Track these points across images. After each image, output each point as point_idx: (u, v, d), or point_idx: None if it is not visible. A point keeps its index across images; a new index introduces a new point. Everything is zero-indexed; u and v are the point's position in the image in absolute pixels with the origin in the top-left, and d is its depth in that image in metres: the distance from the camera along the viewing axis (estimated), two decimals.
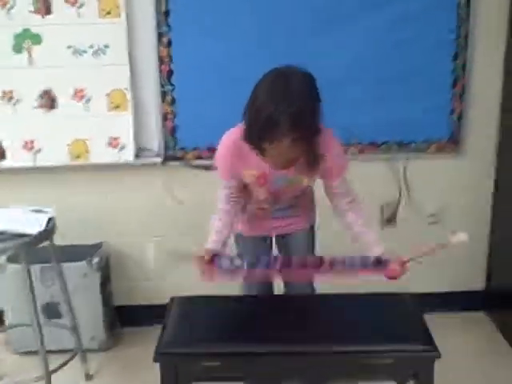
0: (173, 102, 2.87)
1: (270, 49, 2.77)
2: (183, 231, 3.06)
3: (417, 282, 3.07)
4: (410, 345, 1.85)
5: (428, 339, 1.88)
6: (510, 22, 2.88)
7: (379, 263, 1.92)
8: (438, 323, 2.02)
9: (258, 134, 1.80)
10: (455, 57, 2.89)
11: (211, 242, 2.07)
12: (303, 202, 2.26)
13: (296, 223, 2.29)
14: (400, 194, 3.10)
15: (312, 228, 2.36)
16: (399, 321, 1.94)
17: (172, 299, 2.17)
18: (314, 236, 2.37)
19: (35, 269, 2.79)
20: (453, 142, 3.01)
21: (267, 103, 1.73)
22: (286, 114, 1.71)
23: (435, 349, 1.84)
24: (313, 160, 1.91)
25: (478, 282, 3.28)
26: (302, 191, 2.18)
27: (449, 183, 3.12)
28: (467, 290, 3.27)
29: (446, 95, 2.94)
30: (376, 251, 2.02)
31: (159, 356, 1.87)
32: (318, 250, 2.40)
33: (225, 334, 1.82)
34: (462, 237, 1.86)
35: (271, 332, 1.83)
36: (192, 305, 2.10)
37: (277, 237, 2.36)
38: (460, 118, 2.97)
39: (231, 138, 1.99)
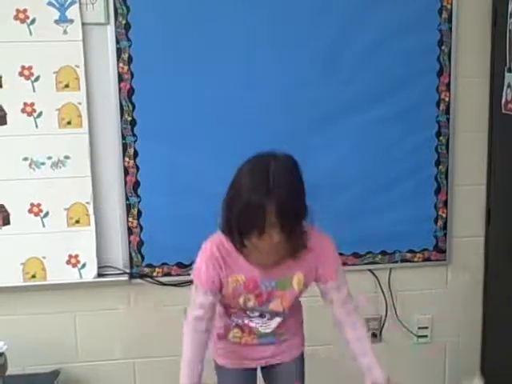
0: (139, 215, 2.79)
1: (244, 157, 2.70)
2: (150, 353, 2.94)
3: None
4: None
5: None
6: (490, 130, 2.93)
7: None
8: None
9: (244, 227, 1.75)
10: (437, 162, 2.91)
11: (185, 377, 1.95)
12: (293, 320, 2.14)
13: (284, 352, 2.16)
14: (386, 307, 3.03)
15: (302, 355, 2.24)
16: None
17: None
18: (303, 363, 2.25)
19: None
20: (439, 250, 2.98)
21: (248, 187, 1.73)
22: (271, 197, 1.69)
23: None
24: (297, 246, 1.86)
25: None
26: (293, 303, 2.05)
27: (437, 293, 3.07)
28: None
29: (429, 202, 2.93)
30: (377, 374, 1.94)
31: None
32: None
33: None
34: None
35: None
36: None
37: (263, 368, 2.22)
38: (445, 225, 2.96)
39: (214, 242, 1.92)
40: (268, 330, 2.07)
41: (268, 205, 1.69)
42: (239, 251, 1.88)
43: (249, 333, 2.09)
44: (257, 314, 2.04)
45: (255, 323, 2.06)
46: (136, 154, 2.74)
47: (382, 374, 1.94)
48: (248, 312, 2.03)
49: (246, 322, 2.06)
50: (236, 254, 1.89)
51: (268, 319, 2.06)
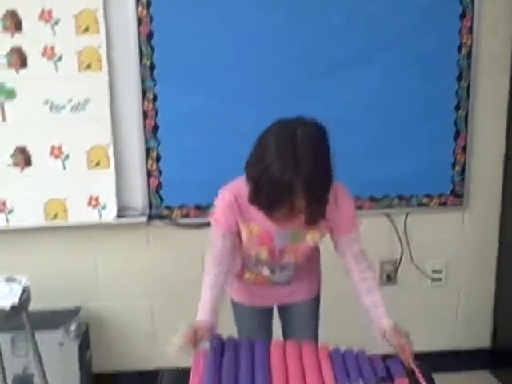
0: (158, 158, 2.83)
1: (260, 102, 2.76)
2: (168, 294, 3.03)
3: (420, 340, 3.10)
4: None
5: None
6: (511, 74, 2.92)
7: (385, 380, 1.77)
8: (443, 383, 1.94)
9: (268, 202, 1.73)
10: (457, 107, 2.90)
11: (203, 315, 1.96)
12: (307, 267, 2.16)
13: (299, 292, 2.20)
14: (401, 251, 3.08)
15: (317, 298, 2.28)
16: None
17: (161, 374, 2.00)
18: (318, 306, 2.29)
19: (6, 338, 2.72)
20: (455, 195, 3.01)
21: (276, 165, 1.66)
22: (300, 179, 1.65)
23: None
24: (319, 214, 1.83)
25: (483, 341, 3.27)
26: (307, 255, 2.06)
27: (452, 238, 3.11)
28: (472, 349, 3.26)
29: (448, 147, 2.94)
30: (385, 324, 1.92)
31: None
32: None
33: None
34: None
35: None
36: (184, 381, 1.97)
37: (278, 307, 2.28)
38: (463, 170, 2.97)
39: (232, 191, 1.92)
40: (281, 279, 2.12)
41: (296, 183, 1.65)
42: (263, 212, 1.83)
43: (262, 277, 2.13)
44: (267, 272, 2.09)
45: (267, 273, 2.11)
46: (155, 98, 2.76)
47: (389, 321, 1.91)
48: (259, 268, 2.09)
49: (260, 270, 2.11)
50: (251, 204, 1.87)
51: (279, 273, 2.10)
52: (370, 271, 2.00)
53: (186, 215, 2.91)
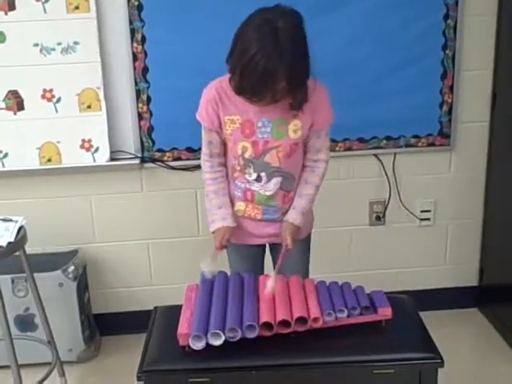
0: (148, 100, 2.84)
1: None
2: (163, 234, 3.07)
3: (409, 279, 3.19)
4: (413, 353, 1.79)
5: (431, 347, 1.82)
6: (499, 9, 2.89)
7: (368, 308, 1.86)
8: (430, 320, 2.01)
9: (254, 90, 1.84)
10: (444, 47, 2.89)
11: (220, 220, 2.11)
12: (294, 190, 2.17)
13: None
14: (389, 191, 3.11)
15: (308, 238, 2.31)
16: (399, 327, 1.87)
17: (155, 309, 2.09)
18: (309, 247, 2.33)
19: (6, 279, 2.77)
20: (443, 136, 3.02)
21: (260, 55, 1.76)
22: (282, 63, 1.76)
23: (439, 357, 1.78)
24: (300, 100, 1.95)
25: (470, 279, 3.32)
26: (290, 157, 2.09)
27: (440, 178, 3.14)
28: (460, 286, 3.31)
29: (435, 87, 2.94)
30: (291, 217, 2.11)
31: (143, 374, 1.80)
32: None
33: (214, 348, 1.77)
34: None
35: (264, 344, 1.78)
36: (177, 315, 2.04)
37: (270, 247, 2.31)
38: (450, 110, 2.98)
39: (214, 85, 2.05)
40: (268, 193, 2.12)
41: (280, 70, 1.78)
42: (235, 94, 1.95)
43: (251, 201, 2.14)
44: (254, 176, 2.10)
45: (255, 187, 2.12)
46: (144, 39, 2.76)
47: (296, 219, 2.11)
48: (246, 173, 2.10)
49: (248, 186, 2.12)
50: (233, 94, 1.97)
51: (265, 182, 2.10)
52: (322, 165, 2.13)
53: (178, 158, 2.94)
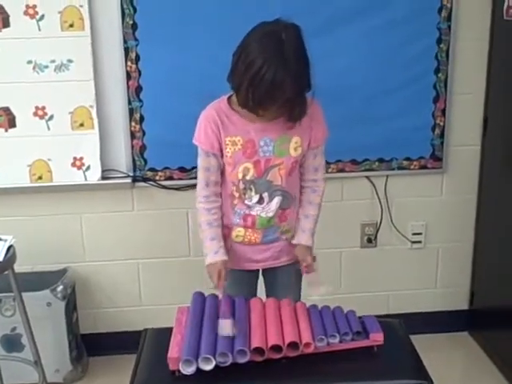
0: (141, 119, 2.83)
1: None
2: (154, 254, 3.05)
3: (399, 301, 3.19)
4: (404, 379, 1.76)
5: (422, 372, 1.79)
6: (491, 32, 2.90)
7: (360, 334, 1.84)
8: (421, 344, 1.98)
9: (260, 99, 1.83)
10: (437, 70, 2.91)
11: (213, 255, 2.06)
12: (292, 208, 2.15)
13: (285, 254, 2.21)
14: (381, 213, 3.11)
15: None
16: (390, 352, 1.84)
17: (145, 331, 2.04)
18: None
19: None
20: (435, 158, 3.03)
21: (267, 66, 1.77)
22: (289, 74, 1.78)
23: (431, 383, 1.76)
24: (299, 112, 1.95)
25: (461, 302, 3.31)
26: (292, 175, 2.09)
27: (431, 201, 3.14)
28: (451, 310, 3.30)
29: (427, 110, 2.95)
30: (303, 239, 2.12)
31: None
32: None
33: (205, 372, 1.70)
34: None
35: (256, 369, 1.74)
36: (168, 338, 2.00)
37: (264, 271, 2.28)
38: (442, 134, 2.99)
39: (213, 107, 2.03)
40: (270, 214, 2.09)
41: (288, 81, 1.79)
42: (237, 111, 1.97)
43: (252, 226, 2.11)
44: (255, 199, 2.07)
45: (256, 211, 2.09)
46: (138, 58, 2.75)
47: (308, 241, 2.12)
48: (247, 197, 2.07)
49: (248, 212, 2.09)
50: (233, 114, 1.98)
51: (267, 202, 2.08)
52: (322, 184, 2.15)
53: (170, 177, 2.92)
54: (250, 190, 2.06)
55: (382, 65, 2.85)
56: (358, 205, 3.09)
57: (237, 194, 2.08)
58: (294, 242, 2.14)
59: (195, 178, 2.65)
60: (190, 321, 1.86)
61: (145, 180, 2.91)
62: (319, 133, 2.07)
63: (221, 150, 2.02)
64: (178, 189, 2.92)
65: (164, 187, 2.93)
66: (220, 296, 1.94)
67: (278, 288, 2.26)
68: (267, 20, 1.91)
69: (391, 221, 3.13)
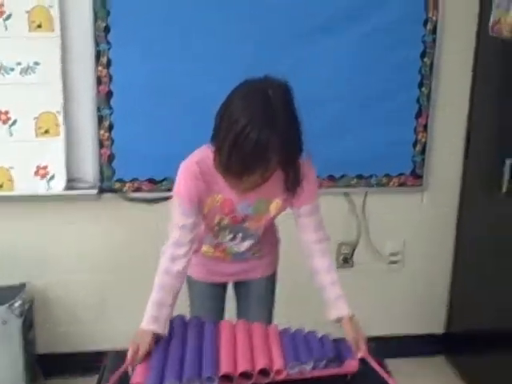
0: (110, 127, 2.72)
1: (219, 71, 2.65)
2: (119, 270, 2.94)
3: (374, 324, 3.06)
4: None
5: None
6: (476, 47, 2.89)
7: (334, 361, 1.75)
8: (397, 368, 1.89)
9: (244, 165, 1.65)
10: (420, 84, 2.87)
11: (149, 321, 1.77)
12: (266, 240, 2.10)
13: (256, 269, 2.14)
14: (359, 232, 3.05)
15: (274, 276, 2.22)
16: (364, 378, 1.75)
17: (107, 354, 1.91)
18: (274, 285, 2.23)
19: None
20: (415, 176, 2.98)
21: (251, 126, 1.60)
22: (276, 134, 1.61)
23: None
24: (293, 183, 1.81)
25: (437, 325, 3.26)
26: (269, 225, 2.03)
27: (411, 220, 3.09)
28: (427, 334, 3.26)
29: (409, 126, 2.91)
30: (343, 309, 1.87)
31: None
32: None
33: None
34: None
35: None
36: None
37: (235, 284, 2.21)
38: (423, 150, 2.94)
39: (195, 160, 1.83)
40: (242, 249, 2.04)
41: (273, 141, 1.61)
42: (221, 173, 1.76)
43: (221, 251, 2.06)
44: (229, 237, 2.00)
45: (228, 244, 2.03)
46: (109, 62, 2.65)
47: (347, 309, 1.87)
48: (220, 236, 2.00)
49: (220, 242, 2.03)
50: (217, 174, 1.77)
51: (240, 241, 2.02)
52: (327, 242, 1.98)
53: (139, 189, 2.82)
54: (224, 231, 1.98)
55: (363, 76, 2.80)
56: (334, 223, 2.90)
57: (210, 233, 2.01)
58: (332, 318, 1.87)
59: (165, 190, 2.70)
60: (155, 345, 1.75)
61: (112, 191, 2.80)
62: (308, 193, 1.90)
63: (200, 204, 1.88)
64: (146, 201, 2.83)
65: (132, 199, 2.82)
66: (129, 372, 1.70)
67: (251, 300, 2.20)
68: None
69: (369, 240, 3.07)
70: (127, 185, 2.81)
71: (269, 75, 1.69)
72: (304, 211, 1.92)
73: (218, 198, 1.86)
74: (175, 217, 1.85)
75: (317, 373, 1.72)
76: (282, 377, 1.68)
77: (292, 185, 1.82)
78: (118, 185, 2.80)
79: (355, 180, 2.94)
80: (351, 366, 1.73)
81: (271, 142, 1.61)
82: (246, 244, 2.03)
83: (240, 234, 1.99)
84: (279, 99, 1.65)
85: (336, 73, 2.78)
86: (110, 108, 2.70)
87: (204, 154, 1.80)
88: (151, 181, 2.80)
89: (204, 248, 2.07)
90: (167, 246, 1.87)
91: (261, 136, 1.59)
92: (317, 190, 1.95)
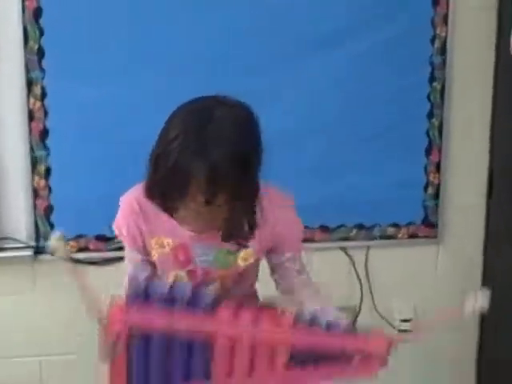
0: (47, 172, 2.40)
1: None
2: (60, 348, 2.60)
3: None
4: None
5: None
6: (496, 67, 2.60)
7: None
8: None
9: (159, 185, 1.49)
10: (430, 114, 2.57)
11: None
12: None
13: None
14: (361, 295, 2.69)
15: None
16: None
17: None
18: None
19: None
20: (428, 225, 2.66)
21: (176, 143, 1.43)
22: (201, 163, 1.40)
23: None
24: (239, 227, 1.58)
25: None
26: (242, 289, 1.73)
27: (424, 279, 2.76)
28: None
29: (418, 164, 2.60)
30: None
31: None
32: None
33: None
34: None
35: None
36: None
37: None
38: (437, 194, 2.65)
39: (133, 195, 1.64)
40: None
41: (196, 172, 1.41)
42: (164, 210, 1.57)
43: None
44: None
45: None
46: (44, 93, 2.34)
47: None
48: None
49: None
50: (160, 211, 1.57)
51: None
52: (310, 277, 1.76)
53: (85, 248, 2.47)
54: None
55: (360, 103, 2.52)
56: (330, 284, 2.48)
57: None
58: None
59: (118, 248, 2.30)
60: None
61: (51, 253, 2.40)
62: (285, 242, 1.67)
63: (148, 245, 1.66)
64: (94, 263, 2.47)
65: (76, 261, 2.37)
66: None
67: None
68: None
69: (373, 304, 2.70)
70: (70, 243, 2.43)
71: (227, 96, 1.51)
72: (285, 259, 1.69)
73: (167, 242, 1.65)
74: (125, 254, 1.71)
75: (333, 340, 1.39)
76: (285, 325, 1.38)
77: (233, 233, 1.58)
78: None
79: (354, 231, 2.63)
80: (378, 343, 1.40)
81: (192, 169, 1.40)
82: None
83: None
84: (224, 122, 1.46)
85: (327, 98, 2.51)
86: (46, 149, 2.38)
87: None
88: (100, 237, 2.46)
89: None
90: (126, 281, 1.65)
91: (181, 158, 1.41)
92: (299, 233, 1.72)
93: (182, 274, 1.66)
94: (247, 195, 1.51)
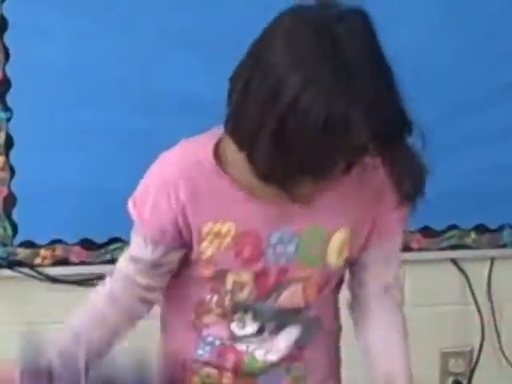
0: (8, 145, 1.76)
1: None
2: None
3: None
4: None
5: None
6: None
7: None
8: None
9: (301, 161, 1.06)
10: None
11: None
12: (321, 340, 1.35)
13: None
14: (482, 331, 1.99)
15: None
16: None
17: None
18: None
19: None
20: None
21: (311, 93, 0.99)
22: (361, 109, 0.99)
23: None
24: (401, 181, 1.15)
25: None
26: (322, 295, 1.32)
27: None
28: None
29: None
30: None
31: None
32: None
33: None
34: None
35: None
36: None
37: None
38: None
39: (179, 162, 1.20)
40: (273, 357, 1.31)
41: (355, 116, 1.00)
42: (231, 175, 1.16)
43: (234, 371, 1.33)
44: (252, 328, 1.31)
45: (245, 347, 1.31)
46: None
47: None
48: (234, 322, 1.32)
49: (229, 343, 1.32)
50: (222, 180, 1.16)
51: (272, 333, 1.30)
52: (398, 293, 1.37)
53: (63, 260, 1.82)
54: (243, 312, 1.32)
55: None
56: (435, 314, 1.98)
57: (215, 308, 1.31)
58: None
59: (111, 260, 1.74)
60: None
61: (14, 265, 1.81)
62: (390, 220, 1.27)
63: (184, 243, 1.22)
64: (76, 282, 1.82)
65: (52, 279, 1.82)
66: None
67: None
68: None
69: (499, 344, 1.99)
70: (42, 252, 1.81)
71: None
72: (380, 255, 1.29)
73: (227, 231, 1.24)
74: (132, 246, 1.28)
75: None
76: None
77: (406, 189, 1.14)
78: (25, 253, 1.81)
79: (472, 235, 1.95)
80: None
81: (351, 117, 0.99)
82: (283, 341, 1.35)
83: (272, 323, 1.30)
84: (355, 41, 1.03)
85: None
86: (7, 110, 1.73)
87: (198, 149, 1.19)
88: (85, 243, 1.82)
89: (199, 377, 1.34)
90: (107, 279, 1.31)
91: (333, 109, 0.98)
92: (404, 222, 1.31)
93: (246, 277, 1.27)
94: (402, 125, 1.10)
